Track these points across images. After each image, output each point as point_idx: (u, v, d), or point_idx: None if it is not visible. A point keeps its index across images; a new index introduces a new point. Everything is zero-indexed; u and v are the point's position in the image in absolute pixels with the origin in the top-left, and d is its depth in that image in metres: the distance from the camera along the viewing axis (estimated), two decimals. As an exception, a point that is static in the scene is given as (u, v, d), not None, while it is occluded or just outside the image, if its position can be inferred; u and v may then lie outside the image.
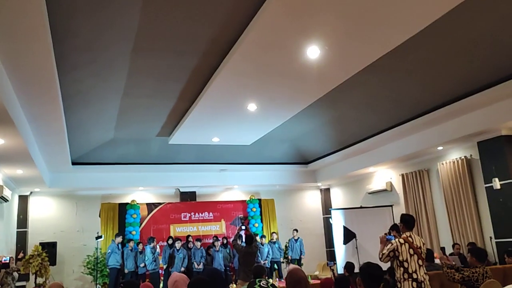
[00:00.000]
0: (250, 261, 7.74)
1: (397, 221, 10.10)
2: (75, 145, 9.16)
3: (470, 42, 6.01)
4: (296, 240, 12.18)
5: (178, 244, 10.80)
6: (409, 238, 4.82)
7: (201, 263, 10.85)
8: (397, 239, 4.87)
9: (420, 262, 4.76)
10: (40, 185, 10.41)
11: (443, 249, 6.71)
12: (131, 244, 10.74)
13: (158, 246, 10.86)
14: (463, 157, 8.85)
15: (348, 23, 4.83)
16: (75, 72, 5.88)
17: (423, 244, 4.93)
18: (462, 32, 5.76)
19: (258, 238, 11.68)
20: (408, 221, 5.00)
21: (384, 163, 10.78)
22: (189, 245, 11.12)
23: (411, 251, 4.74)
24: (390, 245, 4.84)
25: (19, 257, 9.61)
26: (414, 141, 9.29)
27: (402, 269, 4.72)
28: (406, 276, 4.68)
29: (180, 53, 5.95)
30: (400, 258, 4.72)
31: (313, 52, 5.47)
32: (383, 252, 4.84)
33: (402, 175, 10.69)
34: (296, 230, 12.35)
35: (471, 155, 8.77)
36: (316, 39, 5.18)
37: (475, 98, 7.17)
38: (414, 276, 4.67)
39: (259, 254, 11.25)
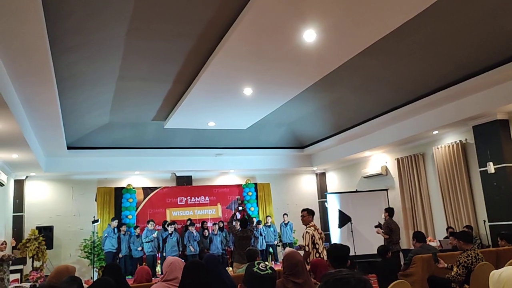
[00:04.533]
0: (245, 244, 7.81)
1: (392, 204, 10.24)
2: (70, 129, 9.11)
3: (468, 25, 5.98)
4: (286, 224, 12.27)
5: (170, 229, 10.83)
6: (315, 226, 5.77)
7: (196, 246, 10.93)
8: (308, 228, 5.68)
9: (322, 245, 5.72)
10: (35, 170, 10.37)
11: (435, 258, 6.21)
12: (123, 228, 10.78)
13: (156, 231, 10.90)
14: (458, 141, 8.89)
15: (345, 5, 4.78)
16: (69, 55, 5.81)
17: (322, 231, 5.91)
18: (460, 15, 5.73)
19: (255, 223, 11.80)
20: (313, 212, 5.97)
21: (380, 147, 10.81)
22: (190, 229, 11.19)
23: (318, 236, 5.68)
24: (306, 235, 5.62)
25: (12, 244, 9.61)
26: (410, 125, 9.31)
27: (315, 250, 5.59)
28: (317, 256, 5.52)
29: (176, 35, 5.89)
30: (315, 242, 5.60)
31: (309, 35, 5.43)
32: (307, 245, 5.56)
33: (398, 159, 10.73)
34: (286, 214, 12.43)
35: (466, 140, 8.81)
36: (313, 22, 5.14)
37: (471, 82, 7.17)
38: (322, 255, 5.54)
39: (258, 236, 11.36)
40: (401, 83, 7.95)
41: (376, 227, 8.44)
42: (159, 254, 10.84)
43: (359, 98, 8.95)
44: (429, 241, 9.15)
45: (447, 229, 8.83)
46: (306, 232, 5.59)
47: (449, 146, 9.08)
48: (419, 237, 6.61)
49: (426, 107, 8.44)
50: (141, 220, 11.49)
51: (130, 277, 9.02)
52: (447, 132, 9.21)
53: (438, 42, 6.46)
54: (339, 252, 3.36)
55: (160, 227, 11.29)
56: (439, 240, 8.70)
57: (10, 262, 7.63)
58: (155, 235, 10.63)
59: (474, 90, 7.46)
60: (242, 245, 7.81)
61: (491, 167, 7.89)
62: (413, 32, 6.07)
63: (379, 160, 11.63)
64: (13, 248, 9.59)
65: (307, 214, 5.82)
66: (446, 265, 5.48)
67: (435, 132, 9.26)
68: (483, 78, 6.95)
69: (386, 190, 11.02)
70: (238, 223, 8.69)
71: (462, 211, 8.74)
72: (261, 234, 11.66)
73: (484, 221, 8.22)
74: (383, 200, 10.80)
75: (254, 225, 11.77)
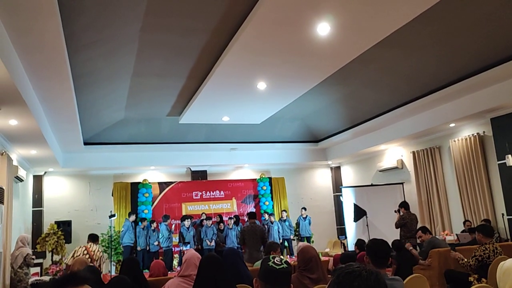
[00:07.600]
0: (255, 240, 7.42)
1: (408, 198, 10.16)
2: (87, 125, 9.23)
3: (485, 16, 5.87)
4: (304, 219, 12.26)
5: (187, 223, 10.88)
6: (90, 248, 6.73)
7: (213, 241, 10.99)
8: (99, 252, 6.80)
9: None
10: (53, 165, 10.55)
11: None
12: (144, 223, 10.91)
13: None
14: (475, 134, 8.75)
15: (359, -2, 4.74)
16: (84, 52, 5.87)
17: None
18: (477, 5, 5.62)
19: (268, 215, 11.80)
20: (96, 238, 7.14)
21: (395, 140, 10.71)
22: (202, 223, 11.26)
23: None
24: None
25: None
26: (426, 118, 9.20)
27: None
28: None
29: (190, 30, 5.90)
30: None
31: (323, 28, 5.39)
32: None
33: (413, 153, 10.62)
34: (304, 209, 12.42)
35: (484, 132, 8.67)
36: (327, 15, 5.09)
37: (489, 74, 7.04)
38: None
39: (270, 226, 11.34)
40: (417, 75, 7.85)
41: (395, 211, 8.59)
42: (175, 248, 10.94)
43: (374, 91, 8.87)
44: (446, 234, 9.07)
45: (464, 223, 8.73)
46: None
47: (466, 139, 8.95)
48: (427, 229, 7.12)
49: (443, 100, 8.33)
50: (157, 215, 11.61)
51: (146, 270, 9.12)
52: (464, 124, 9.07)
53: (454, 33, 6.36)
54: (380, 248, 3.09)
55: (177, 221, 11.43)
56: (456, 234, 8.61)
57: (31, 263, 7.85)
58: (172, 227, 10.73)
59: (492, 81, 7.33)
60: (249, 241, 7.41)
61: (509, 160, 7.75)
62: (428, 24, 5.98)
63: (395, 153, 11.53)
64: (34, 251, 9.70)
65: (90, 240, 7.07)
66: (464, 260, 5.44)
67: (451, 125, 9.13)
68: (501, 70, 6.82)
69: (402, 183, 10.93)
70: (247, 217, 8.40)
71: (480, 205, 8.63)
72: (271, 222, 11.56)
73: (503, 214, 8.10)
74: (399, 194, 10.72)
75: (266, 219, 11.77)
